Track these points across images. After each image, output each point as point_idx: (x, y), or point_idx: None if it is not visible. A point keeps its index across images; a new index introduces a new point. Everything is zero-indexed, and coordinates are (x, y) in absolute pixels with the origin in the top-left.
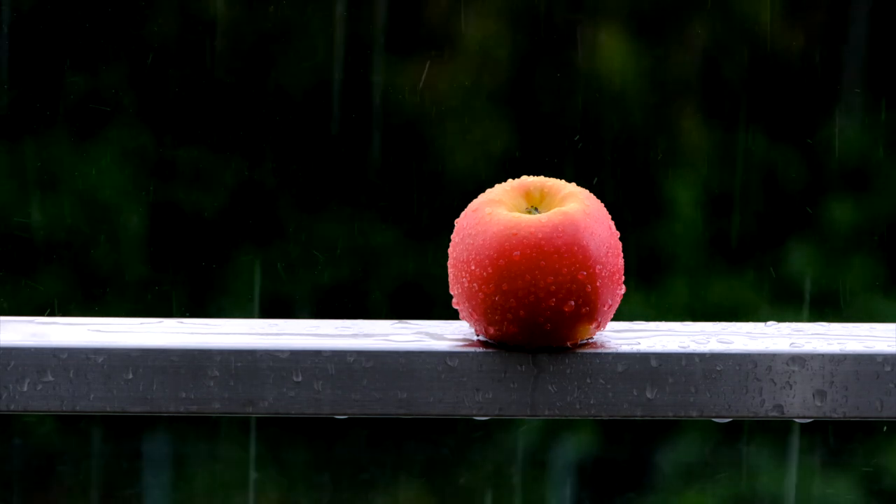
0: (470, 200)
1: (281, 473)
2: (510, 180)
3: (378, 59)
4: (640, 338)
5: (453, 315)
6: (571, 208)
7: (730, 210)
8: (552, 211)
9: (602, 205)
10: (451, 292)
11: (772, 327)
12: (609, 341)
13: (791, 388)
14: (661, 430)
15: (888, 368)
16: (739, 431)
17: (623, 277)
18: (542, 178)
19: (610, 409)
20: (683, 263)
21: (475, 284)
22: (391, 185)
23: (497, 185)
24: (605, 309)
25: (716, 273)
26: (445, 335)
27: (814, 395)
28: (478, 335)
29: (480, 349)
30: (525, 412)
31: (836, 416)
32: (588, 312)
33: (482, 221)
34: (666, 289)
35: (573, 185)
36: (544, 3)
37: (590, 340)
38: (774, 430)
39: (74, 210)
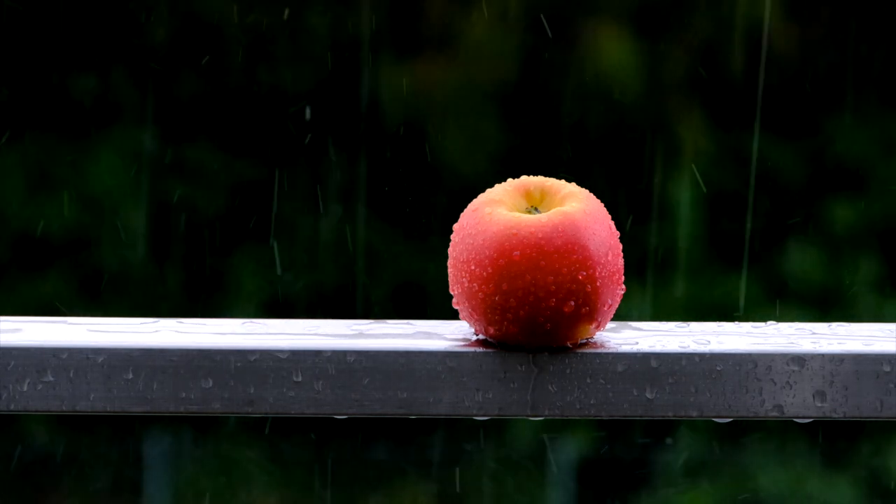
0: (470, 200)
1: (281, 473)
2: (510, 180)
3: (378, 59)
4: (640, 338)
5: (453, 315)
6: (571, 208)
7: (730, 209)
8: (552, 211)
9: (602, 205)
10: (451, 292)
11: (772, 327)
12: (609, 341)
13: (791, 388)
14: (661, 430)
15: (888, 368)
16: (739, 431)
17: (623, 277)
18: (541, 177)
19: (610, 409)
20: (683, 263)
21: (475, 284)
22: (391, 185)
23: (497, 185)
24: (605, 309)
25: (716, 273)
26: (445, 335)
27: (814, 395)
28: (478, 335)
29: (480, 349)
30: (525, 412)
31: (836, 416)
32: (588, 312)
33: (482, 221)
34: (666, 288)
35: (573, 184)
36: (544, 3)
37: (590, 340)
38: (774, 430)
39: (75, 210)
